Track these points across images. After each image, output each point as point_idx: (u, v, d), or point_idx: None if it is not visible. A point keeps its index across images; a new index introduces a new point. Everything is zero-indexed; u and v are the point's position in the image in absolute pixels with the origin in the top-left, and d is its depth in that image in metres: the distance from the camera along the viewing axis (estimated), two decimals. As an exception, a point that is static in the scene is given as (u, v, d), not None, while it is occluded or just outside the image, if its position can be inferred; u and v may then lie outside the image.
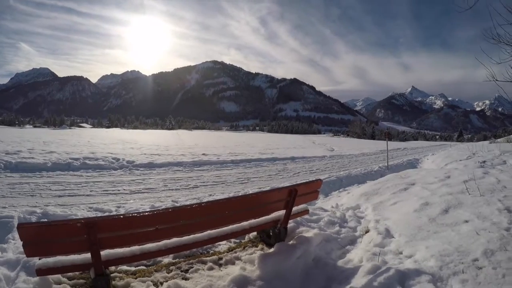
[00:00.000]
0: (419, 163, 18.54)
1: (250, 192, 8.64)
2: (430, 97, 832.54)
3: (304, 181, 5.03)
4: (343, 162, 18.08)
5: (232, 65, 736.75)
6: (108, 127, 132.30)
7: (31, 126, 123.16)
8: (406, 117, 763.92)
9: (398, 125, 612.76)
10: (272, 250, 4.04)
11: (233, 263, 3.94)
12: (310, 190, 4.46)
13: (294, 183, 4.46)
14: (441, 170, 8.97)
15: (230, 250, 4.34)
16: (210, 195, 8.70)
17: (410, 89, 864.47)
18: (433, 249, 3.62)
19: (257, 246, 4.42)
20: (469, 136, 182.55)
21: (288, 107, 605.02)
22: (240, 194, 7.93)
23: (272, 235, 4.36)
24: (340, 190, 9.76)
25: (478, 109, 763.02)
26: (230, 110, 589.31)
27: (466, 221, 4.25)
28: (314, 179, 5.27)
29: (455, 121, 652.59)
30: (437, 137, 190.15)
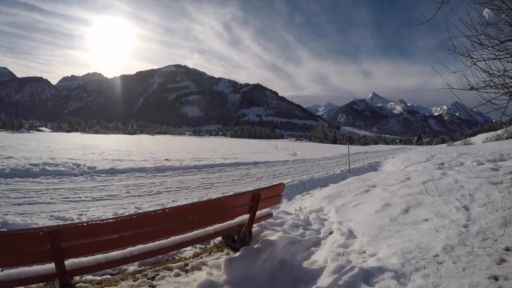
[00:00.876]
0: (380, 166, 19.06)
1: (214, 197, 8.65)
2: (390, 103, 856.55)
3: (267, 185, 5.11)
4: (305, 166, 18.31)
5: (195, 69, 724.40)
6: (68, 131, 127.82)
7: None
8: (367, 122, 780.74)
9: (359, 129, 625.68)
10: (237, 254, 4.08)
11: (200, 269, 3.96)
12: (273, 194, 4.55)
13: (257, 188, 4.54)
14: (401, 172, 9.27)
15: (196, 255, 4.35)
16: (174, 201, 8.61)
17: (371, 95, 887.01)
18: (395, 247, 3.78)
19: (222, 251, 4.46)
20: (428, 139, 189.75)
21: (251, 112, 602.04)
22: (204, 199, 7.93)
23: (237, 239, 4.41)
24: (303, 193, 9.95)
25: (436, 114, 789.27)
26: (193, 115, 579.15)
27: (426, 220, 4.48)
28: (277, 183, 5.38)
29: (414, 126, 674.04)
30: (397, 141, 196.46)
